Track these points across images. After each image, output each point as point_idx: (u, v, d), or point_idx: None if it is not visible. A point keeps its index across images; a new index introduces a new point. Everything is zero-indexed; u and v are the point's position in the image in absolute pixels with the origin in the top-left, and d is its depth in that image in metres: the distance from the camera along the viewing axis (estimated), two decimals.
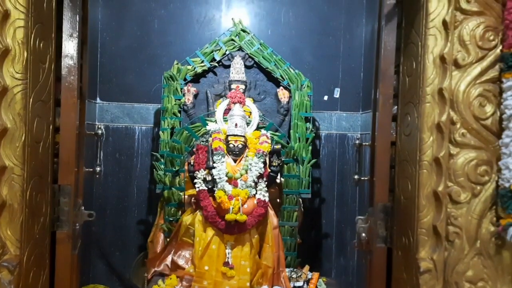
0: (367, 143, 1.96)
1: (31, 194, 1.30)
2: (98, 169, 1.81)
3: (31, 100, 1.30)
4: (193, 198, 2.98)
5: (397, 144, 1.61)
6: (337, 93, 3.61)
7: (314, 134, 3.33)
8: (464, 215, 1.34)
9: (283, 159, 3.06)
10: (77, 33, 1.56)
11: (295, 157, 3.19)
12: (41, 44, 1.38)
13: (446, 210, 1.36)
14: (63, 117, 1.48)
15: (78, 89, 1.59)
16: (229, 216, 2.66)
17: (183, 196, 3.06)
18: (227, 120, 2.99)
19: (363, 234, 1.82)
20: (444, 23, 1.27)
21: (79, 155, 1.64)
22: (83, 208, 1.74)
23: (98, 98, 3.44)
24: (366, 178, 2.11)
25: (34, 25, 1.33)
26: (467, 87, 1.28)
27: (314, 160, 3.30)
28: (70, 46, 1.53)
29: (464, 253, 1.36)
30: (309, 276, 3.01)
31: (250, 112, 3.09)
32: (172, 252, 2.87)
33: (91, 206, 3.54)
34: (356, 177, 2.09)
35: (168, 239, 2.99)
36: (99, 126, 1.94)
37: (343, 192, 3.79)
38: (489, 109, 1.28)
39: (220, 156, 2.84)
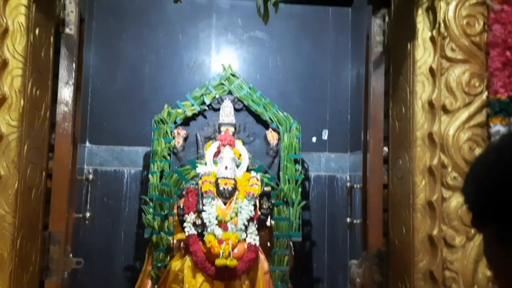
0: (358, 185, 1.98)
1: (21, 243, 1.26)
2: (87, 214, 1.77)
3: (25, 147, 1.30)
4: (182, 243, 2.92)
5: (390, 188, 1.63)
6: (325, 135, 3.66)
7: (303, 176, 3.34)
8: (460, 259, 1.35)
9: (273, 201, 3.05)
10: (73, 80, 1.58)
11: (285, 199, 3.19)
12: (37, 92, 1.39)
13: (441, 255, 1.36)
14: (56, 164, 1.47)
15: (72, 134, 1.59)
16: (219, 261, 2.61)
17: (172, 241, 3.00)
18: (216, 163, 2.99)
19: (358, 280, 1.80)
20: (431, 70, 1.32)
21: (70, 202, 1.61)
22: (71, 255, 1.70)
23: (87, 142, 3.43)
24: (358, 222, 2.11)
25: (31, 74, 1.34)
26: (456, 131, 1.32)
27: (304, 202, 3.30)
28: (65, 93, 1.54)
29: None
30: None
31: (240, 154, 3.11)
32: None
33: (78, 252, 3.41)
34: (348, 220, 2.09)
35: (156, 286, 2.90)
36: (89, 171, 1.92)
37: (334, 235, 3.76)
38: (478, 153, 1.32)
39: (210, 199, 2.82)
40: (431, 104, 1.33)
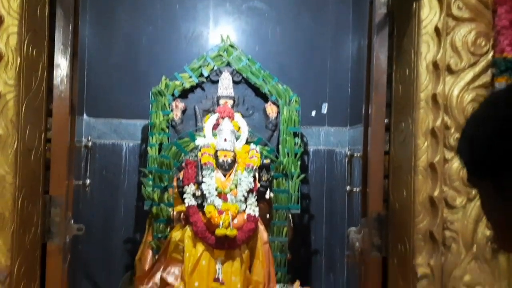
0: (358, 154, 1.98)
1: (22, 203, 1.26)
2: (87, 181, 1.77)
3: (23, 107, 1.28)
4: (182, 214, 2.94)
5: (391, 153, 1.62)
6: (324, 109, 3.64)
7: (302, 149, 3.34)
8: (460, 219, 1.35)
9: (272, 174, 3.06)
10: (69, 43, 1.55)
11: (284, 172, 3.19)
12: (34, 52, 1.36)
13: (442, 215, 1.37)
14: (55, 126, 1.45)
15: (70, 99, 1.57)
16: (219, 231, 2.63)
17: (171, 213, 3.01)
18: (216, 135, 2.98)
19: (357, 244, 1.81)
20: (437, 29, 1.30)
21: (70, 167, 1.60)
22: (72, 221, 1.70)
23: (84, 114, 3.40)
24: (357, 189, 2.12)
25: (27, 32, 1.31)
26: (460, 92, 1.31)
27: (303, 175, 3.30)
28: (62, 56, 1.52)
29: (461, 258, 1.36)
30: None
31: (239, 127, 3.09)
32: (161, 269, 2.81)
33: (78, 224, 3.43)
34: (348, 188, 2.10)
35: (156, 257, 2.93)
36: (88, 139, 1.90)
37: (332, 208, 3.78)
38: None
39: (210, 171, 2.82)
40: (435, 64, 1.31)
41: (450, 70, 1.30)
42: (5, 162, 1.21)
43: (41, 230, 1.39)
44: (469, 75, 1.30)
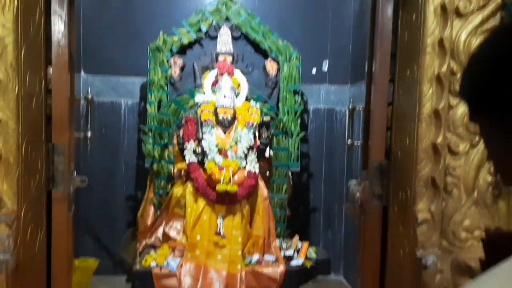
0: (360, 106, 1.97)
1: (26, 149, 1.25)
2: (89, 134, 1.76)
3: (22, 51, 1.25)
4: (183, 171, 2.96)
5: (395, 103, 1.61)
6: (325, 66, 3.60)
7: (302, 108, 3.32)
8: (462, 165, 1.36)
9: (272, 131, 3.06)
10: None
11: (284, 130, 3.19)
12: None
13: (444, 162, 1.37)
14: (55, 74, 1.43)
15: (68, 47, 1.54)
16: (220, 187, 2.66)
17: (172, 170, 3.03)
18: (215, 92, 2.96)
19: (358, 194, 1.83)
20: None
21: (71, 117, 1.59)
22: (75, 173, 1.70)
23: (82, 71, 3.35)
24: (358, 143, 2.12)
25: None
26: (468, 37, 1.28)
27: (303, 133, 3.31)
28: (59, 4, 1.47)
29: (461, 203, 1.38)
30: (299, 246, 3.04)
31: (239, 84, 3.07)
32: (163, 224, 2.86)
33: None
34: (348, 141, 2.10)
35: (158, 212, 2.97)
36: (88, 90, 1.88)
37: (331, 167, 3.82)
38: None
39: (210, 128, 2.82)
40: (443, 7, 1.28)
41: (458, 13, 1.27)
42: (7, 107, 1.19)
43: (45, 177, 1.40)
44: (477, 18, 1.27)
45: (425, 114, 1.37)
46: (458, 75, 1.30)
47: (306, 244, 3.06)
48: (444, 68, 1.31)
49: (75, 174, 1.71)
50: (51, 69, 1.49)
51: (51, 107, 1.47)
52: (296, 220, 3.49)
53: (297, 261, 2.82)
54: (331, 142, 3.77)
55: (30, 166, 1.28)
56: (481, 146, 1.33)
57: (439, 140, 1.36)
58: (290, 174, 3.30)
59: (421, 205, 1.42)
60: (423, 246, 1.41)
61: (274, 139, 3.16)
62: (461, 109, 1.33)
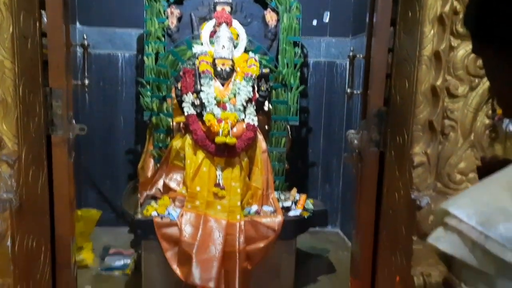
0: (360, 55, 1.94)
1: (23, 91, 1.25)
2: (86, 81, 1.75)
3: None
4: (182, 124, 2.96)
5: (395, 48, 1.59)
6: (326, 17, 3.52)
7: (302, 60, 3.28)
8: (461, 108, 1.37)
9: (271, 84, 3.03)
10: None
11: (283, 83, 3.16)
12: None
13: (442, 105, 1.38)
14: (50, 17, 1.40)
15: None
16: (219, 139, 2.66)
17: (171, 123, 3.03)
18: (213, 43, 2.90)
19: (355, 142, 1.85)
20: None
21: (67, 62, 1.57)
22: (74, 121, 1.71)
23: (77, 23, 3.28)
24: (358, 92, 2.11)
25: None
26: None
27: (302, 87, 3.28)
28: None
29: (458, 145, 1.40)
30: (297, 198, 3.09)
31: (237, 35, 3.00)
32: (163, 176, 2.89)
33: (79, 137, 3.47)
34: (348, 90, 2.09)
35: (158, 165, 3.00)
36: (84, 37, 1.85)
37: (330, 122, 3.82)
38: None
39: (208, 79, 2.79)
40: None
41: None
42: (2, 47, 1.18)
43: (44, 121, 1.40)
44: None
45: (426, 56, 1.36)
46: (461, 15, 1.27)
47: (304, 196, 3.11)
48: (447, 8, 1.28)
49: (74, 122, 1.71)
50: (45, 16, 1.46)
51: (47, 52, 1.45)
52: (294, 174, 3.53)
53: (294, 212, 2.87)
54: (331, 97, 3.75)
55: (28, 108, 1.28)
56: (480, 89, 1.33)
57: (439, 82, 1.36)
58: (289, 128, 3.30)
59: (417, 148, 1.43)
60: (418, 188, 1.43)
61: (273, 92, 3.14)
62: (462, 51, 1.32)
